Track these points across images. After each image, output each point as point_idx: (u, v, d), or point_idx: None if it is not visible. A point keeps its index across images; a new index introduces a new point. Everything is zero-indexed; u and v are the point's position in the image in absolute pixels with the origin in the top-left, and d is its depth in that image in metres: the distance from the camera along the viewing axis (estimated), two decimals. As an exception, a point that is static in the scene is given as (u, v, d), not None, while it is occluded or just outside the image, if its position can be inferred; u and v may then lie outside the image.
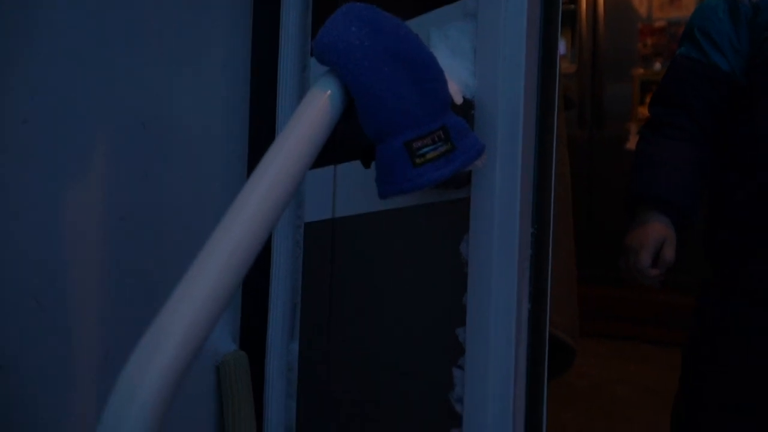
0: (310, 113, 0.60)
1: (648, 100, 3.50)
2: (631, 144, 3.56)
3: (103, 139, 0.92)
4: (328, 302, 1.04)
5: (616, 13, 3.61)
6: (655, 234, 1.27)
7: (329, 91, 0.62)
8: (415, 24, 0.94)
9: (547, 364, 0.91)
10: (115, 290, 0.90)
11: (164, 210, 0.98)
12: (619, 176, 3.45)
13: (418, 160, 0.63)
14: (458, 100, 0.82)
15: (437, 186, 0.89)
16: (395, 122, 0.62)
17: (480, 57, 0.86)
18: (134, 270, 0.92)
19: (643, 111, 3.57)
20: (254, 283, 1.06)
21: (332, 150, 0.76)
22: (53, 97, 0.87)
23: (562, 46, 4.03)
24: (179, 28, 1.03)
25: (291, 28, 1.02)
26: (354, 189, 0.99)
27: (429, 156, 0.63)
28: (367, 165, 0.70)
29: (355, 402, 1.04)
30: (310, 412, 1.08)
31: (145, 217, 0.96)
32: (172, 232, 0.96)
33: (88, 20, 0.92)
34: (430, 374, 0.93)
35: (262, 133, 1.06)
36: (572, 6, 3.71)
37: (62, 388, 0.86)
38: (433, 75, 0.65)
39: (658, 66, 3.49)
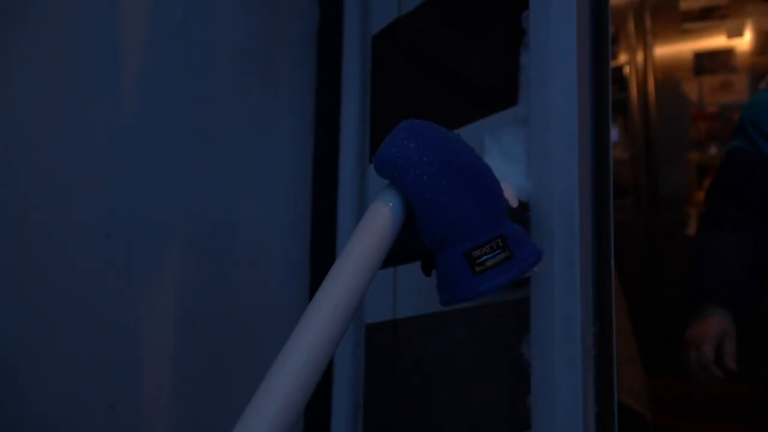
0: (373, 227, 0.63)
1: (705, 184, 3.45)
2: (691, 229, 3.49)
3: (175, 247, 0.97)
4: (389, 404, 1.04)
5: (667, 99, 3.63)
6: (716, 328, 1.28)
7: (390, 204, 0.65)
8: (469, 129, 0.98)
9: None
10: (185, 393, 0.93)
11: (231, 313, 1.02)
12: (678, 261, 3.38)
13: (477, 269, 0.64)
14: (514, 203, 0.84)
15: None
16: (454, 233, 0.64)
17: (533, 160, 0.89)
18: (203, 372, 0.95)
19: (701, 195, 3.52)
20: (319, 386, 1.07)
21: (393, 257, 0.79)
22: (130, 212, 0.93)
23: (614, 133, 4.06)
24: (245, 138, 1.10)
25: (350, 138, 1.08)
26: (414, 290, 1.01)
27: (488, 264, 0.65)
28: (428, 273, 0.72)
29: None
30: None
31: (215, 322, 0.99)
32: (239, 335, 0.99)
33: (160, 134, 0.99)
34: (495, 480, 0.91)
35: (324, 236, 1.10)
36: (622, 94, 3.75)
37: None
38: (489, 186, 0.68)
39: (713, 150, 3.47)
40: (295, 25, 1.15)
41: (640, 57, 3.58)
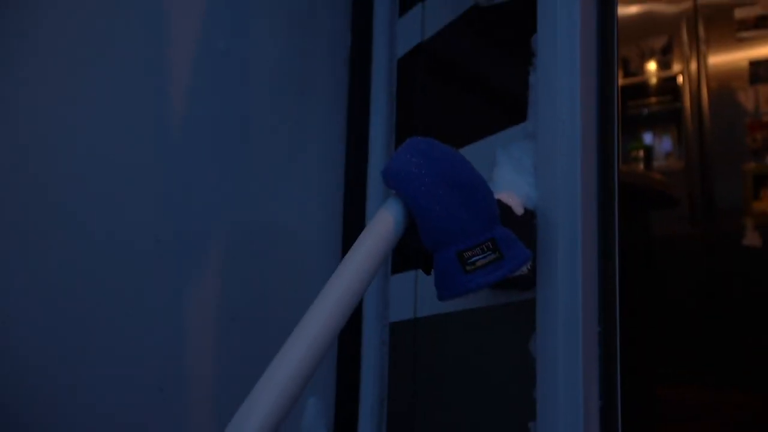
0: (377, 230, 0.72)
1: (763, 194, 3.39)
2: (748, 240, 3.43)
3: (216, 250, 1.09)
4: (411, 395, 1.12)
5: (722, 108, 3.58)
6: None
7: (393, 210, 0.74)
8: (483, 144, 1.06)
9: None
10: (228, 378, 1.04)
11: (269, 311, 1.13)
12: (737, 272, 3.33)
13: (468, 267, 0.73)
14: (519, 211, 0.92)
15: (506, 288, 0.98)
16: (448, 235, 0.73)
17: (540, 172, 0.96)
18: (241, 362, 1.06)
19: (758, 205, 3.45)
20: (347, 378, 1.17)
21: (406, 258, 0.88)
22: (179, 217, 1.05)
23: (667, 143, 4.01)
24: (283, 151, 1.21)
25: (377, 151, 1.17)
26: (433, 291, 1.10)
27: (479, 263, 0.73)
28: (427, 272, 0.81)
29: (438, 492, 1.10)
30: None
31: (252, 317, 1.10)
32: (275, 329, 1.10)
33: (205, 148, 1.11)
34: (505, 466, 0.98)
35: (354, 240, 1.20)
36: (677, 103, 3.72)
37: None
38: (481, 195, 0.76)
39: (769, 159, 3.40)
40: (329, 50, 1.26)
41: (693, 66, 3.55)
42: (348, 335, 1.22)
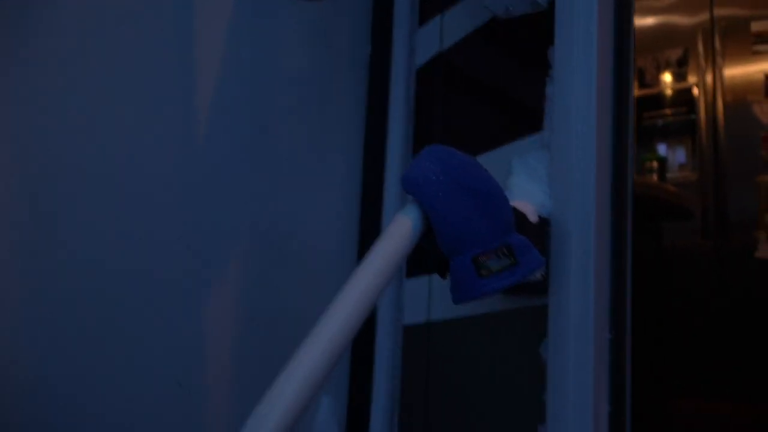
0: (395, 234, 0.74)
1: (776, 208, 3.38)
2: (761, 253, 3.42)
3: (239, 253, 1.12)
4: (424, 398, 1.15)
5: (737, 121, 3.58)
6: None
7: (411, 216, 0.76)
8: (500, 152, 1.09)
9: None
10: (245, 376, 1.07)
11: (286, 313, 1.15)
12: (749, 284, 3.32)
13: (483, 272, 0.75)
14: (533, 219, 0.94)
15: (519, 294, 1.00)
16: (464, 241, 0.75)
17: (554, 182, 0.98)
18: (259, 362, 1.09)
19: (772, 219, 3.44)
20: (360, 379, 1.19)
21: (422, 264, 0.90)
22: (207, 222, 1.08)
23: (682, 155, 4.01)
24: (303, 158, 1.24)
25: (395, 159, 1.20)
26: (447, 296, 1.12)
27: (494, 269, 0.75)
28: (443, 276, 0.83)
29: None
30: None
31: (270, 319, 1.13)
32: (292, 330, 1.12)
33: (230, 157, 1.14)
34: (515, 469, 1.00)
35: (369, 242, 1.23)
36: (692, 115, 3.73)
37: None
38: (497, 202, 0.78)
39: (784, 173, 3.39)
40: (349, 60, 1.29)
41: (709, 78, 3.55)
42: (362, 337, 1.24)
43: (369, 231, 1.25)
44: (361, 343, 1.24)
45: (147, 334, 1.02)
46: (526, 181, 1.01)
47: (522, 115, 1.08)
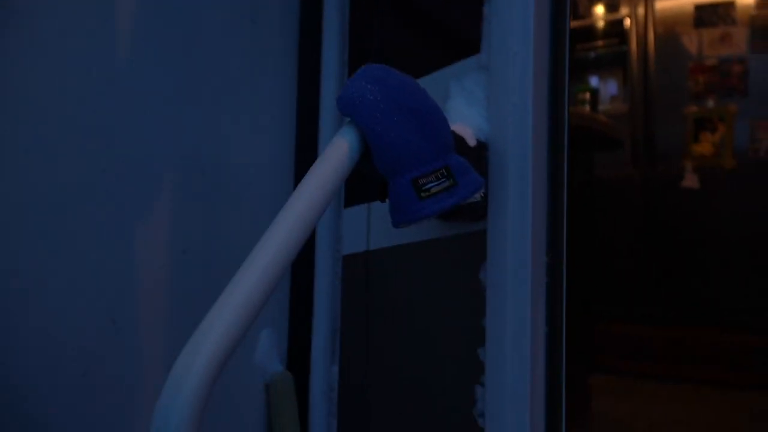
0: (332, 156, 0.72)
1: (702, 137, 3.49)
2: (687, 182, 3.54)
3: (167, 183, 1.07)
4: (364, 327, 1.15)
5: (667, 52, 3.64)
6: None
7: (348, 137, 0.74)
8: (437, 76, 1.06)
9: (564, 384, 0.98)
10: (177, 312, 1.04)
11: (220, 244, 1.12)
12: (675, 214, 3.45)
13: (423, 194, 0.73)
14: (471, 142, 0.93)
15: (458, 219, 1.00)
16: (403, 162, 0.73)
17: (492, 104, 0.97)
18: (193, 294, 1.06)
19: (697, 148, 3.56)
20: (300, 310, 1.18)
21: (360, 188, 0.87)
22: (128, 148, 1.02)
23: (613, 87, 4.07)
24: (234, 85, 1.18)
25: (330, 84, 1.16)
26: (386, 224, 1.10)
27: (433, 190, 0.74)
28: (383, 199, 0.81)
29: (389, 419, 1.13)
30: (349, 429, 1.18)
31: (204, 251, 1.09)
32: (227, 263, 1.10)
33: (153, 73, 1.07)
34: (455, 391, 1.01)
35: (306, 168, 1.20)
36: (623, 47, 3.77)
37: (134, 389, 1.00)
38: (437, 123, 0.76)
39: (711, 103, 3.49)
40: (280, -22, 1.22)
41: (641, 10, 3.59)
42: (301, 268, 1.22)
43: (305, 157, 1.21)
44: (300, 274, 1.22)
45: (76, 273, 0.97)
46: (464, 105, 0.99)
47: (459, 37, 1.05)
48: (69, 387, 0.95)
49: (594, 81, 3.85)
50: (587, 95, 3.67)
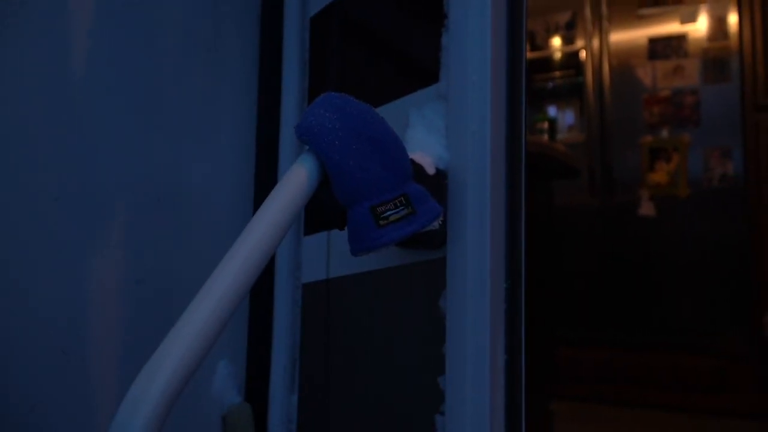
0: (290, 185, 0.71)
1: (657, 167, 3.58)
2: (643, 210, 3.62)
3: (122, 211, 1.05)
4: (324, 356, 1.13)
5: (622, 83, 3.74)
6: None
7: (307, 165, 0.73)
8: (397, 105, 1.07)
9: (525, 411, 0.98)
10: (131, 343, 1.01)
11: (175, 274, 1.10)
12: (632, 240, 3.52)
13: (381, 222, 0.73)
14: (430, 171, 0.93)
15: (418, 247, 1.00)
16: (361, 190, 0.73)
17: (451, 133, 0.98)
18: (148, 325, 1.03)
19: (653, 177, 3.64)
20: (259, 339, 1.16)
21: (319, 216, 0.87)
22: (82, 176, 1.00)
23: (571, 117, 4.16)
24: (192, 112, 1.17)
25: (290, 112, 1.16)
26: (346, 252, 1.10)
27: (392, 218, 0.74)
28: (341, 227, 0.81)
29: (350, 450, 1.11)
30: (309, 460, 1.16)
31: (159, 280, 1.07)
32: (183, 292, 1.07)
33: (109, 98, 1.06)
34: (417, 421, 1.00)
35: (265, 195, 1.19)
36: (579, 78, 3.86)
37: (84, 422, 0.97)
38: (395, 151, 0.77)
39: (665, 133, 3.59)
40: (240, 6, 1.22)
41: (596, 42, 3.69)
42: (260, 297, 1.20)
43: (265, 184, 1.21)
44: (259, 303, 1.21)
45: (25, 302, 0.94)
46: (424, 134, 1.00)
47: (419, 67, 1.06)
48: (14, 425, 0.91)
49: (552, 111, 3.94)
50: (546, 124, 3.74)
